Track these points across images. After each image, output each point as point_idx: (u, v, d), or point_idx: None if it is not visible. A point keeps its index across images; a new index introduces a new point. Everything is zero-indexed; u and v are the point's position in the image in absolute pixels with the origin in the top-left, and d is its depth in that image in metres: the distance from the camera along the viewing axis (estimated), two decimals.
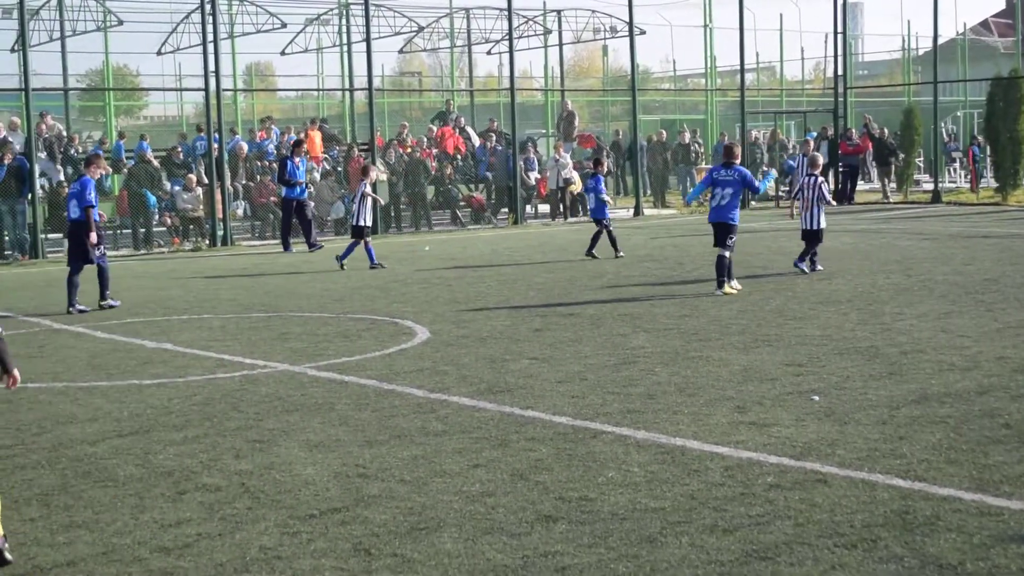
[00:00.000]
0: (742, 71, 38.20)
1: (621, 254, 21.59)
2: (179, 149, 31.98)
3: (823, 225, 18.02)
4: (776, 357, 11.09)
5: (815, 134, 39.46)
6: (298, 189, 26.96)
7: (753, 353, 11.35)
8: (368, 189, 22.48)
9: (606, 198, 22.18)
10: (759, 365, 10.72)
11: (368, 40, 32.42)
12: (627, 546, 6.02)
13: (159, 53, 42.72)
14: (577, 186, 33.84)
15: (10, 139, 29.31)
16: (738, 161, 16.78)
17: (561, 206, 34.22)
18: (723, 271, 16.09)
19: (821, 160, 19.17)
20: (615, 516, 6.49)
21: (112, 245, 29.03)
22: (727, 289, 15.96)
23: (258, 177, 31.35)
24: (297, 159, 27.36)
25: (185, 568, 5.88)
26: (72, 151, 31.10)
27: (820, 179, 18.13)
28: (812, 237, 17.97)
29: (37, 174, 27.00)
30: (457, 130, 36.50)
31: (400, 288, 17.96)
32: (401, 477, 7.40)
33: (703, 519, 6.38)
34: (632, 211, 35.02)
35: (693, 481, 7.10)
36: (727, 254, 16.10)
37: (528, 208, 34.61)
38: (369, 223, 22.40)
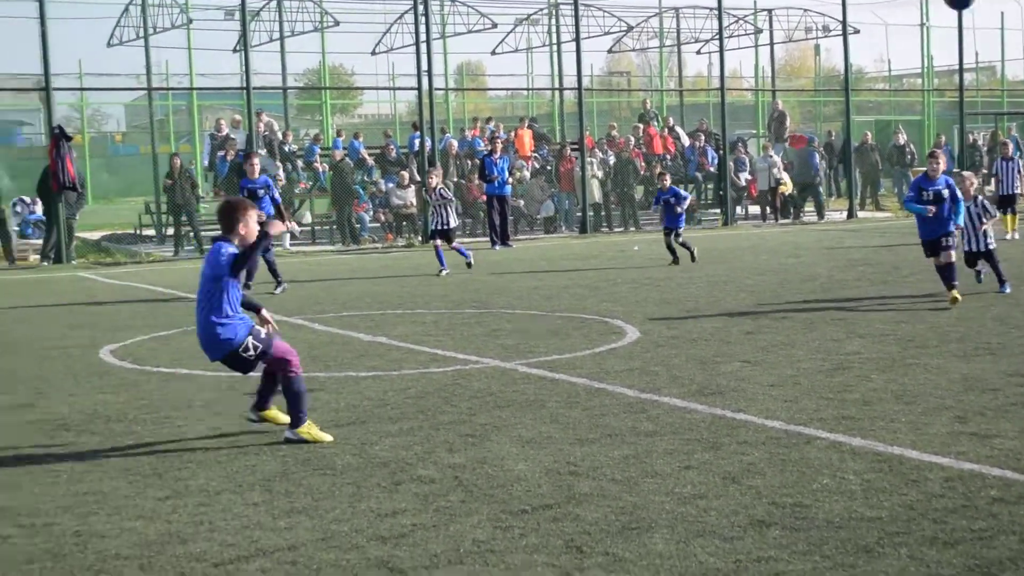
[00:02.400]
0: (960, 71, 37.06)
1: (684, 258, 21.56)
2: (391, 147, 32.62)
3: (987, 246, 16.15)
4: (999, 366, 10.72)
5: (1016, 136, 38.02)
6: (496, 184, 27.27)
7: (974, 362, 11.00)
8: (437, 195, 21.74)
9: (679, 210, 21.77)
10: (980, 374, 10.39)
11: (577, 40, 32.54)
12: (843, 555, 5.90)
13: (373, 53, 43.62)
14: (788, 187, 33.37)
15: (232, 136, 30.39)
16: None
17: (771, 207, 33.79)
18: (952, 276, 14.95)
19: (973, 180, 17.55)
20: (830, 524, 6.37)
21: (329, 240, 29.85)
22: (955, 295, 14.84)
23: (467, 175, 31.77)
24: (496, 156, 27.65)
25: (400, 557, 5.99)
26: (287, 147, 32.02)
27: (981, 199, 16.74)
28: (978, 256, 16.21)
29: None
30: (666, 130, 36.37)
31: (609, 288, 17.98)
32: (612, 476, 7.40)
33: (923, 531, 6.21)
34: (845, 214, 34.35)
35: (911, 491, 6.92)
36: (953, 258, 14.99)
37: (739, 209, 34.27)
38: (452, 225, 21.80)
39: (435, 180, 21.59)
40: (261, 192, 18.78)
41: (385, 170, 31.93)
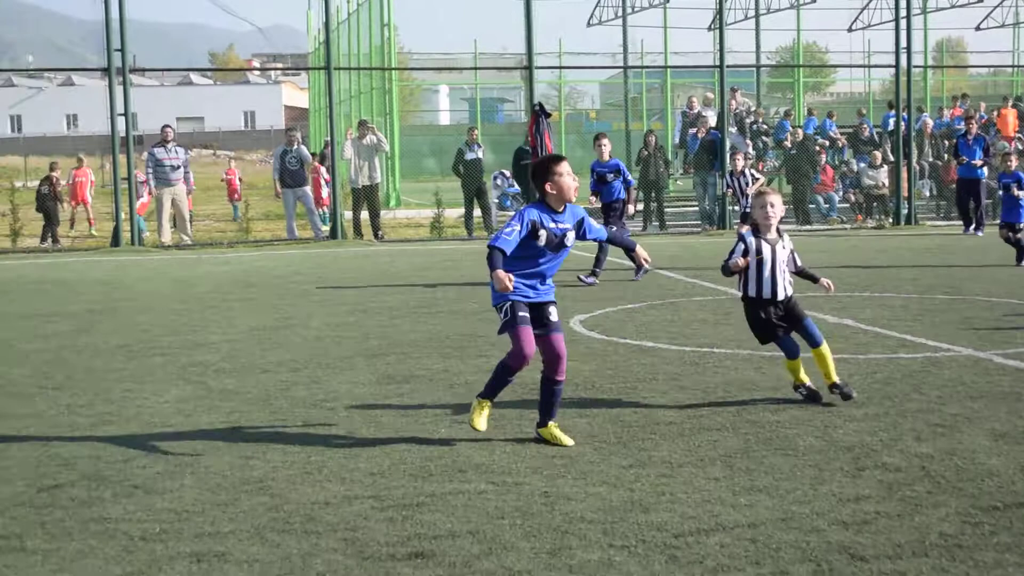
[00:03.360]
0: None
1: None
2: (865, 126, 31.91)
3: None
4: None
5: None
6: (966, 166, 25.97)
7: None
8: (740, 179, 19.99)
9: (1017, 195, 18.78)
10: None
11: None
12: None
13: (850, 30, 42.78)
14: None
15: (704, 114, 30.64)
16: None
17: None
18: None
19: None
20: None
21: (796, 220, 29.51)
22: None
23: (945, 156, 30.60)
24: (970, 137, 26.37)
25: (863, 544, 5.85)
26: (756, 126, 31.93)
27: None
28: None
29: (727, 148, 27.96)
30: None
31: None
32: None
33: None
34: None
35: None
36: None
37: None
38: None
39: (740, 163, 20.37)
40: (610, 176, 17.68)
41: (857, 150, 31.26)
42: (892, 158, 29.29)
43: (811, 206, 29.31)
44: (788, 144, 30.83)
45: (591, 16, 41.14)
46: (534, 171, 8.08)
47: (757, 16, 39.52)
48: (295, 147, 26.68)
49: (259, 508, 6.61)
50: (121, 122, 24.69)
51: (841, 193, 29.94)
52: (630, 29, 37.60)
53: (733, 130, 29.89)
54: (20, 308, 15.73)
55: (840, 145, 31.74)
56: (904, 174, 28.56)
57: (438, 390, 9.83)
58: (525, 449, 7.79)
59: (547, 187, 7.94)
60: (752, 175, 20.26)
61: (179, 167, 25.80)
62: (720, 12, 30.63)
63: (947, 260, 19.97)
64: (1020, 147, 31.67)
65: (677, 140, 33.63)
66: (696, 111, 31.59)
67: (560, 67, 49.19)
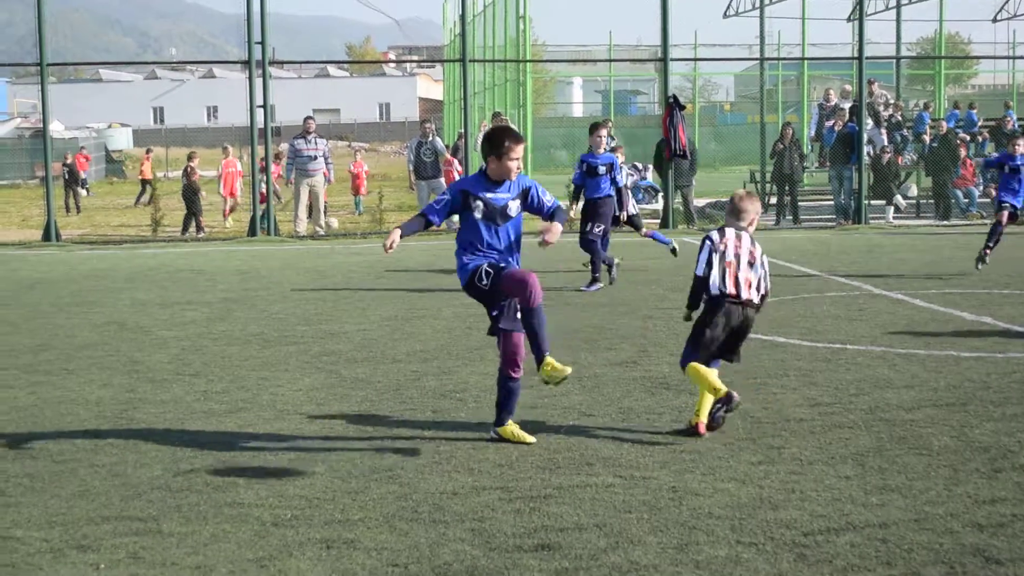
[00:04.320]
0: None
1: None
2: (1009, 118, 31.16)
3: None
4: None
5: None
6: None
7: None
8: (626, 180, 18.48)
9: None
10: None
11: None
12: None
13: (994, 20, 41.76)
14: None
15: (842, 106, 30.17)
16: None
17: None
18: None
19: None
20: None
21: (935, 215, 28.91)
22: None
23: None
24: None
25: (998, 547, 5.73)
26: (892, 118, 31.36)
27: None
28: None
29: (864, 141, 27.49)
30: None
31: None
32: None
33: None
34: None
35: None
36: None
37: None
38: (630, 211, 17.50)
39: (621, 156, 18.98)
40: (602, 169, 16.30)
41: (1000, 143, 30.49)
42: None
43: (951, 201, 28.68)
44: (927, 137, 30.23)
45: (728, 7, 40.75)
46: (487, 138, 7.76)
47: (899, 6, 38.77)
48: (430, 139, 26.86)
49: (388, 497, 6.69)
50: (260, 114, 25.10)
51: (982, 188, 29.22)
52: (767, 20, 37.12)
53: (869, 123, 29.36)
54: (159, 296, 16.11)
55: (981, 139, 30.99)
56: None
57: (567, 382, 9.82)
58: (653, 443, 7.77)
59: (490, 160, 7.70)
60: (627, 169, 18.28)
61: (318, 158, 26.08)
62: (860, 2, 30.10)
63: None
64: None
65: (812, 133, 33.15)
66: (833, 103, 31.12)
67: (695, 59, 48.83)
